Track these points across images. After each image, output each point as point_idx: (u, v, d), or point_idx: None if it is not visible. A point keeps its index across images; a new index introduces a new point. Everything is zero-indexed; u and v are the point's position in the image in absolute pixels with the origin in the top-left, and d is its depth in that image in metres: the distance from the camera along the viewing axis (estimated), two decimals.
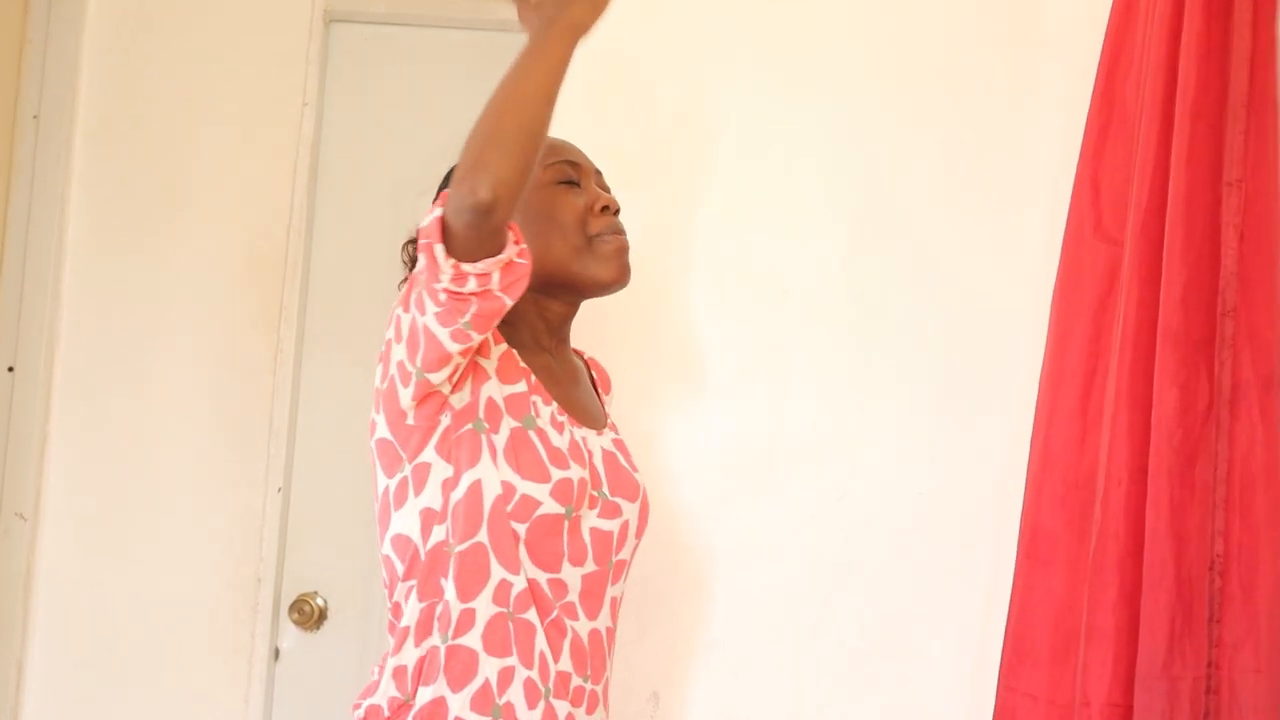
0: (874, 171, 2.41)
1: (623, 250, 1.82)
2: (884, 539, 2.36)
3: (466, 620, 1.65)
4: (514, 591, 1.66)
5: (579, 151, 1.89)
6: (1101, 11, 2.26)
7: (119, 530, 2.86)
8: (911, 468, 2.36)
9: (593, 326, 1.99)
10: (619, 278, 1.82)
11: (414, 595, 1.68)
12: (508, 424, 1.68)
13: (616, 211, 1.84)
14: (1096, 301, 2.13)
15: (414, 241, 1.90)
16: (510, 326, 1.79)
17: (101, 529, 2.86)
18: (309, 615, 2.88)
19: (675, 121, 2.42)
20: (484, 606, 1.65)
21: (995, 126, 2.40)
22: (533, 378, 1.75)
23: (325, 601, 2.90)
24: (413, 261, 1.91)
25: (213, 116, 2.94)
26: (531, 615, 1.67)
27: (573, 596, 1.73)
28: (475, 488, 1.65)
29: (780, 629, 2.35)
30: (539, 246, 1.77)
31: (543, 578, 1.69)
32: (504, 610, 1.65)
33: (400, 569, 1.70)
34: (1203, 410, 2.01)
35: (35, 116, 2.89)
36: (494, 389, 1.69)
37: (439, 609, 1.66)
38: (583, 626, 1.74)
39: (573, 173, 1.84)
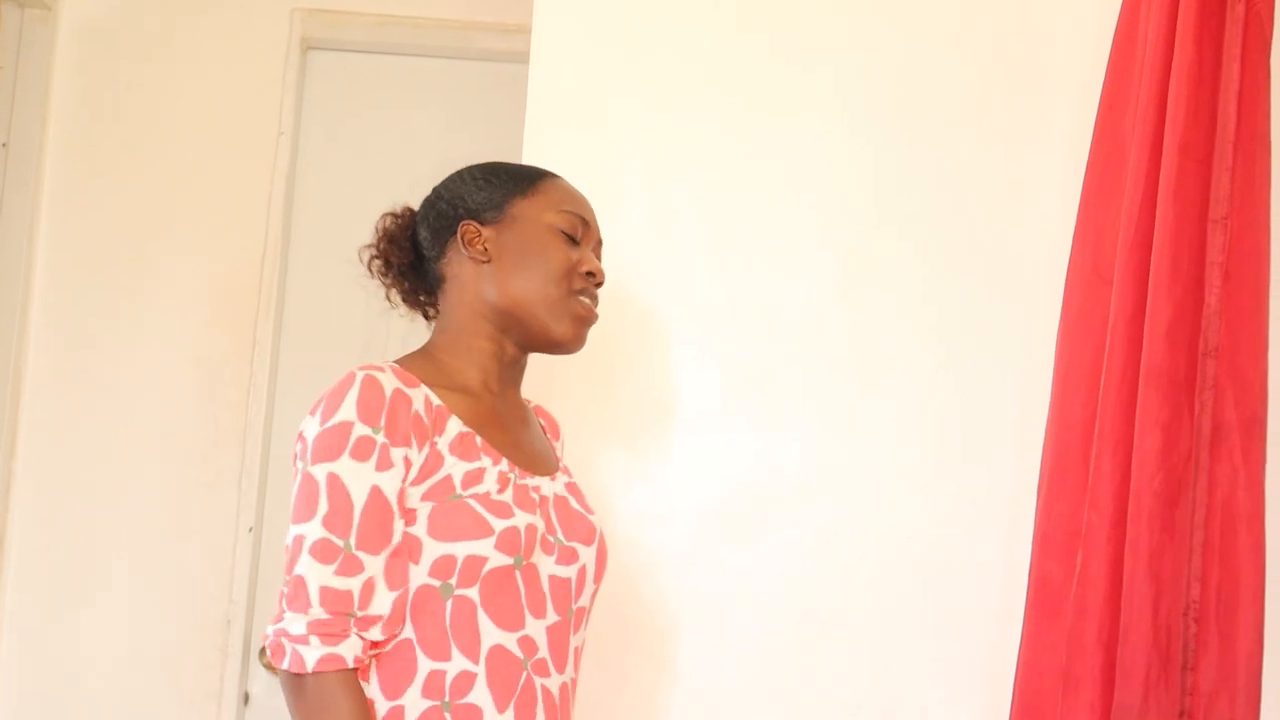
0: (866, 202, 2.35)
1: (589, 319, 1.79)
2: (874, 584, 2.28)
3: (394, 718, 1.61)
4: (448, 679, 1.62)
5: (593, 213, 1.86)
6: (1105, 47, 2.22)
7: (85, 570, 2.82)
8: (903, 510, 2.29)
9: (575, 364, 1.93)
10: (572, 341, 1.78)
11: None
12: (428, 506, 1.64)
13: (599, 284, 1.81)
14: (1099, 344, 2.08)
15: (374, 247, 1.88)
16: (465, 364, 1.76)
17: (68, 568, 2.82)
18: None
19: (660, 151, 2.37)
20: (413, 702, 1.61)
21: (993, 160, 2.34)
22: (478, 439, 1.69)
23: None
24: (383, 259, 1.87)
25: (186, 145, 2.91)
26: (477, 696, 1.62)
27: (544, 652, 1.69)
28: (401, 595, 1.62)
29: (765, 678, 2.28)
30: (516, 277, 1.75)
31: (510, 639, 1.65)
32: (437, 703, 1.61)
33: None
34: (1185, 452, 1.96)
35: (4, 144, 2.87)
36: (414, 500, 1.64)
37: None
38: (553, 682, 1.70)
39: (579, 229, 1.81)
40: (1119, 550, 1.96)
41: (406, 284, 1.88)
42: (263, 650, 2.81)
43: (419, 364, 1.75)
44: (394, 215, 1.89)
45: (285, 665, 1.55)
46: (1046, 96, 2.34)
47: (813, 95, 2.37)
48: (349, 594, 1.56)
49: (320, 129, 2.98)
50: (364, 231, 2.75)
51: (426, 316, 1.90)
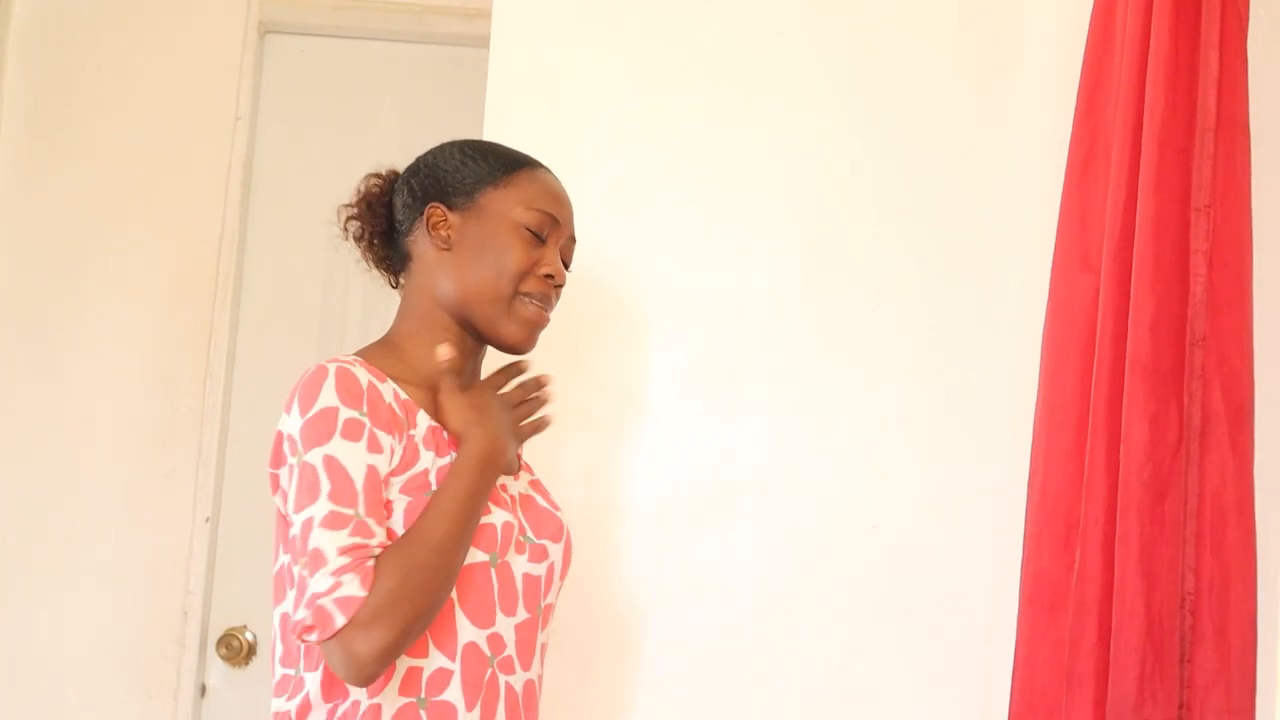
0: (839, 187, 2.34)
1: (539, 323, 1.75)
2: (837, 576, 2.28)
3: (372, 716, 1.58)
4: (425, 676, 1.60)
5: (569, 211, 1.80)
6: (1081, 38, 2.21)
7: (39, 560, 2.76)
8: (866, 501, 2.29)
9: (536, 351, 1.90)
10: (520, 344, 1.74)
11: (318, 696, 1.61)
12: (405, 500, 1.61)
13: (558, 286, 1.76)
14: (1088, 336, 2.07)
15: (350, 206, 1.84)
16: (429, 355, 1.71)
17: (20, 559, 2.76)
18: (237, 650, 2.79)
19: (623, 141, 2.34)
20: (390, 700, 1.59)
21: (971, 148, 2.33)
22: (445, 434, 1.66)
23: (255, 636, 2.81)
24: (358, 224, 1.83)
25: (142, 130, 2.86)
26: (451, 694, 1.60)
27: (510, 650, 1.67)
28: None
29: (728, 669, 2.27)
30: (470, 271, 1.71)
31: (481, 636, 1.64)
32: (413, 700, 1.59)
33: (280, 650, 1.66)
34: (1173, 443, 1.95)
35: None
36: (393, 491, 1.62)
37: (343, 708, 1.59)
38: (518, 679, 1.69)
39: (547, 228, 1.75)
40: (1113, 545, 1.95)
41: (378, 251, 1.83)
42: (219, 641, 2.78)
43: (383, 357, 1.71)
44: (377, 176, 1.84)
45: (338, 625, 1.48)
46: (1025, 85, 2.33)
47: (784, 77, 2.36)
48: (366, 545, 1.52)
49: (278, 114, 2.94)
50: (323, 218, 2.73)
51: (393, 285, 1.86)
